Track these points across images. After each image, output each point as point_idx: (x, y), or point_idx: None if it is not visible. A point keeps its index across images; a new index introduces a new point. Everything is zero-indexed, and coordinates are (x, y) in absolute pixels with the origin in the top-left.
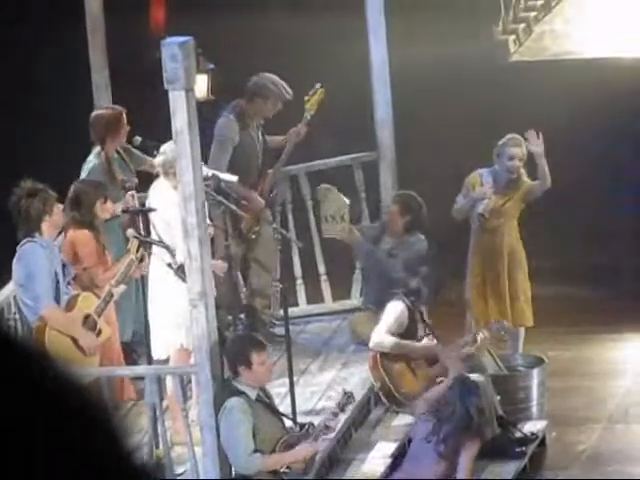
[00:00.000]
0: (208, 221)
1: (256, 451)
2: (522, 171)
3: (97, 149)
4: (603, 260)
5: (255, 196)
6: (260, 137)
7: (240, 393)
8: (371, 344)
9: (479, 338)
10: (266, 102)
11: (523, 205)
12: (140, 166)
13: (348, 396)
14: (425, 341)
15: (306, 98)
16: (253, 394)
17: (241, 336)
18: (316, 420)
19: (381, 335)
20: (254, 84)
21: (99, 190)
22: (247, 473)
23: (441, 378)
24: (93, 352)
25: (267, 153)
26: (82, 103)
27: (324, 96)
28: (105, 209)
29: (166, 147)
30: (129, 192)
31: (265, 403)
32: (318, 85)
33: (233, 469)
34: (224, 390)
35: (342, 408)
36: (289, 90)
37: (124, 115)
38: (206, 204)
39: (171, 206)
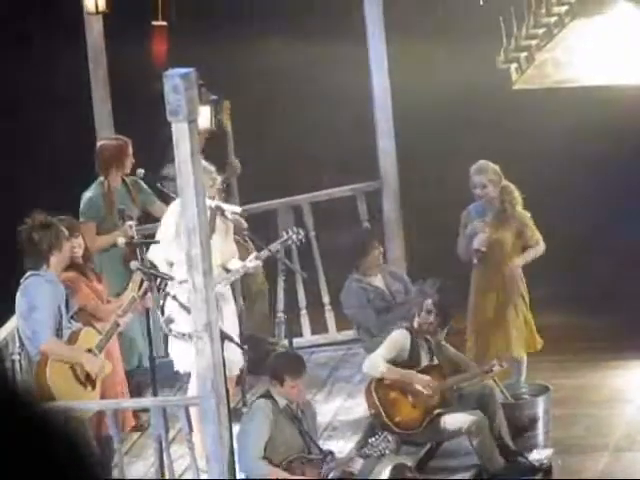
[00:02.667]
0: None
1: (265, 459)
2: (514, 201)
3: (100, 179)
4: (606, 287)
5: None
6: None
7: (270, 397)
8: (364, 368)
9: (495, 369)
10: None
11: (519, 241)
12: (147, 205)
13: (387, 440)
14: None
15: (218, 117)
16: (282, 403)
17: (285, 355)
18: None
19: (375, 360)
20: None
21: (73, 225)
22: (249, 476)
23: (438, 410)
24: (97, 376)
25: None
26: (84, 134)
27: (229, 105)
28: (79, 244)
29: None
30: (128, 222)
31: (291, 416)
32: (221, 101)
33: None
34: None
35: (382, 452)
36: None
37: (129, 146)
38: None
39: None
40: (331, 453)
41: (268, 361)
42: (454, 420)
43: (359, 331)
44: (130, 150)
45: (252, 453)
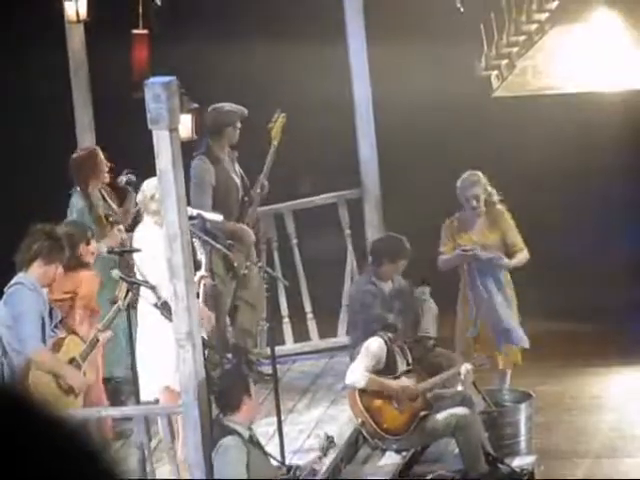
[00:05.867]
0: (204, 272)
1: None
2: (497, 206)
3: (78, 191)
4: (588, 295)
5: (246, 228)
6: (237, 169)
7: (234, 432)
8: (347, 380)
9: (462, 372)
10: (234, 128)
11: (504, 245)
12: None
13: (330, 440)
14: (404, 379)
15: (269, 126)
16: (246, 434)
17: (235, 373)
18: (303, 459)
19: (357, 373)
20: (218, 118)
21: (83, 232)
22: None
23: (424, 412)
24: (80, 391)
25: (246, 185)
26: (67, 142)
27: (285, 121)
28: (89, 251)
29: (146, 184)
30: (116, 226)
31: (257, 443)
32: (278, 111)
33: None
34: (216, 429)
35: (325, 452)
36: (241, 107)
37: (99, 153)
38: (197, 243)
39: (155, 243)
40: (298, 467)
41: (220, 393)
42: (442, 416)
43: (351, 332)
44: (101, 157)
45: None
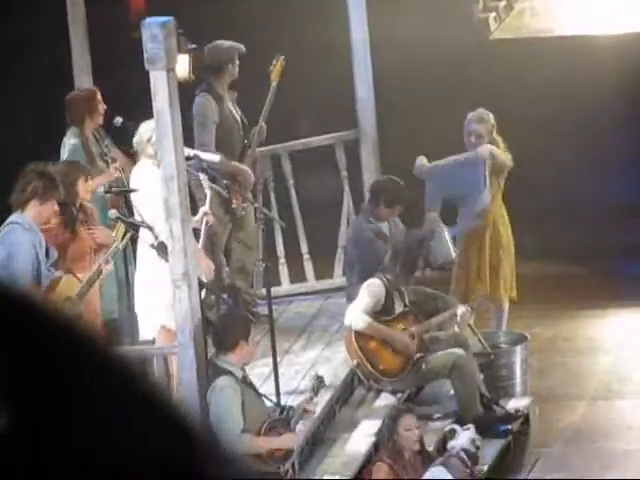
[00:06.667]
0: (207, 209)
1: (244, 431)
2: (499, 145)
3: (73, 129)
4: (585, 238)
5: (246, 168)
6: (238, 110)
7: (227, 372)
8: (346, 321)
9: (459, 313)
10: (234, 64)
11: (502, 181)
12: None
13: (320, 380)
14: (403, 334)
15: (269, 70)
16: (239, 374)
17: (237, 314)
18: (299, 400)
19: (356, 313)
20: (218, 55)
21: (79, 170)
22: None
23: (420, 354)
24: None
25: (246, 127)
26: (64, 87)
27: (285, 64)
28: (87, 188)
29: (142, 126)
30: (113, 165)
31: (250, 384)
32: (277, 55)
33: None
34: (210, 369)
35: (316, 392)
36: (238, 44)
37: (97, 95)
38: (202, 179)
39: (152, 184)
40: (291, 408)
41: (218, 331)
42: (438, 358)
43: (347, 273)
44: (99, 99)
45: (234, 429)
